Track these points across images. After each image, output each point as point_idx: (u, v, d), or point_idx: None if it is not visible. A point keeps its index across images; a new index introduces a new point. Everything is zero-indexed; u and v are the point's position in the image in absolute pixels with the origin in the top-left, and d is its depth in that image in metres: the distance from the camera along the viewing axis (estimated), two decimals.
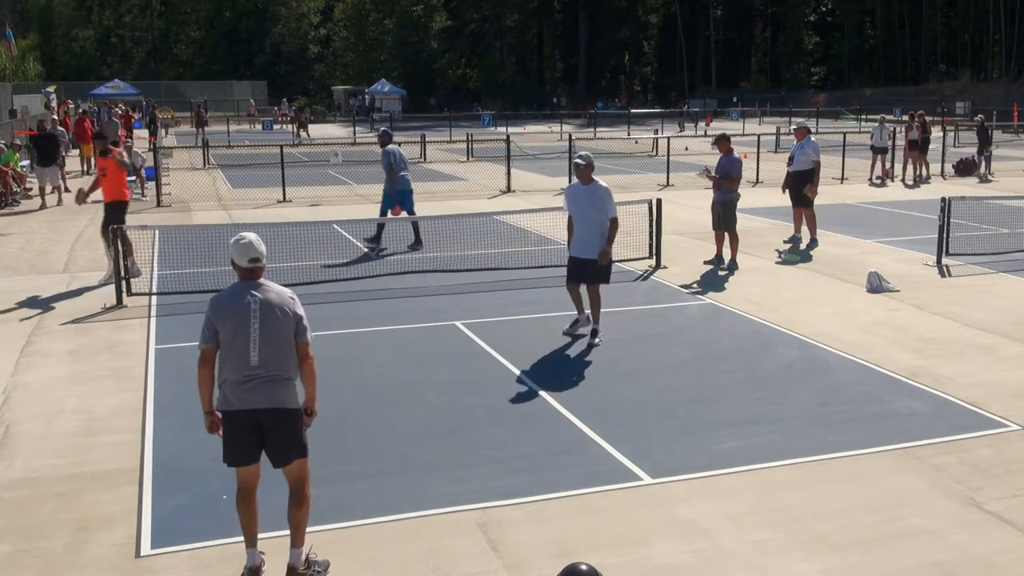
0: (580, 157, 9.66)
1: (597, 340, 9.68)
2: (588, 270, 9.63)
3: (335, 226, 16.63)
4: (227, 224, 17.32)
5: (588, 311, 9.88)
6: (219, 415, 5.13)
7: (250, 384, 5.02)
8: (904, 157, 25.05)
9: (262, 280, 5.17)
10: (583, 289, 9.88)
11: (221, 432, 5.15)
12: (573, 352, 9.47)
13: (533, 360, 9.11)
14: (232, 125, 47.33)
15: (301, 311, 5.18)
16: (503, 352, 9.38)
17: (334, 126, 56.94)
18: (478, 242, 15.31)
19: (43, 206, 20.46)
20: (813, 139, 15.28)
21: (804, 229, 15.49)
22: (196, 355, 5.12)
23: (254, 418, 5.06)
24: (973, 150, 26.98)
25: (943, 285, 12.50)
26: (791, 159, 15.42)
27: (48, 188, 20.88)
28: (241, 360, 5.02)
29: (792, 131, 15.98)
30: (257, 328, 5.02)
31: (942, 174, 25.71)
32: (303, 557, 5.21)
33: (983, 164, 25.71)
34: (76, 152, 28.12)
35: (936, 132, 30.69)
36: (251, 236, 5.17)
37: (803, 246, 15.12)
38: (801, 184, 15.11)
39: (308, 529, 5.66)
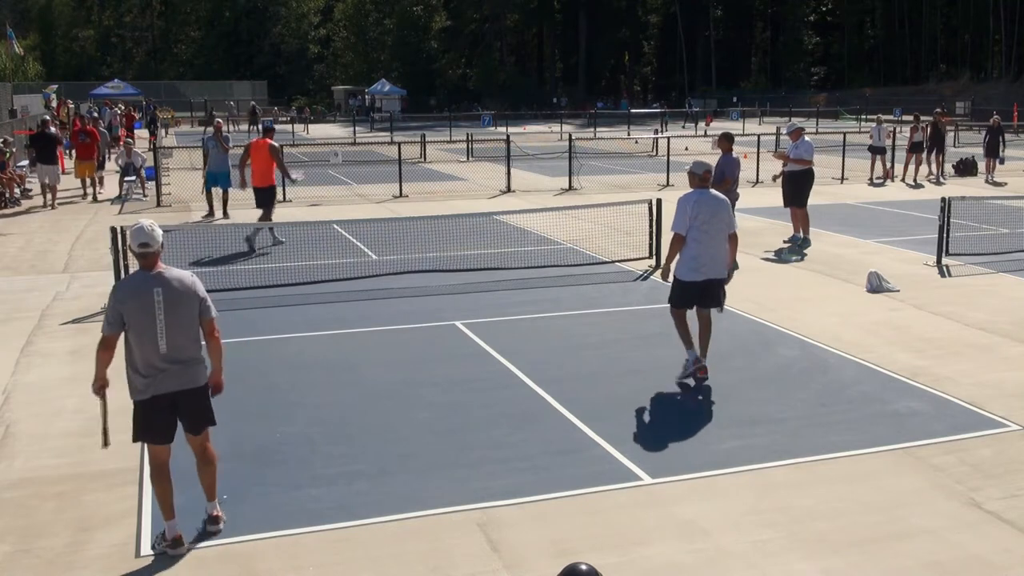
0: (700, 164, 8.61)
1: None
2: (714, 292, 8.52)
3: (335, 226, 16.65)
4: (227, 224, 17.32)
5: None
6: (108, 381, 5.49)
7: (164, 371, 5.33)
8: (906, 157, 25.00)
9: (161, 267, 5.37)
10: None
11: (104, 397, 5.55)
12: (573, 352, 9.47)
13: (533, 360, 9.10)
14: (232, 125, 47.36)
15: (203, 292, 5.45)
16: (503, 352, 9.38)
17: (334, 126, 56.93)
18: (478, 242, 15.32)
19: (46, 204, 20.45)
20: (808, 139, 15.27)
21: None
22: None
23: (170, 400, 5.42)
24: (972, 150, 26.78)
25: (943, 285, 12.49)
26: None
27: (47, 182, 20.68)
28: (150, 348, 5.29)
29: (787, 132, 15.98)
30: (163, 318, 5.27)
31: (942, 174, 25.66)
32: (217, 505, 5.74)
33: (995, 168, 24.87)
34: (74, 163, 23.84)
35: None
36: (146, 222, 5.40)
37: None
38: (796, 184, 15.12)
39: (307, 529, 5.70)
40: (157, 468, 5.54)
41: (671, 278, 8.61)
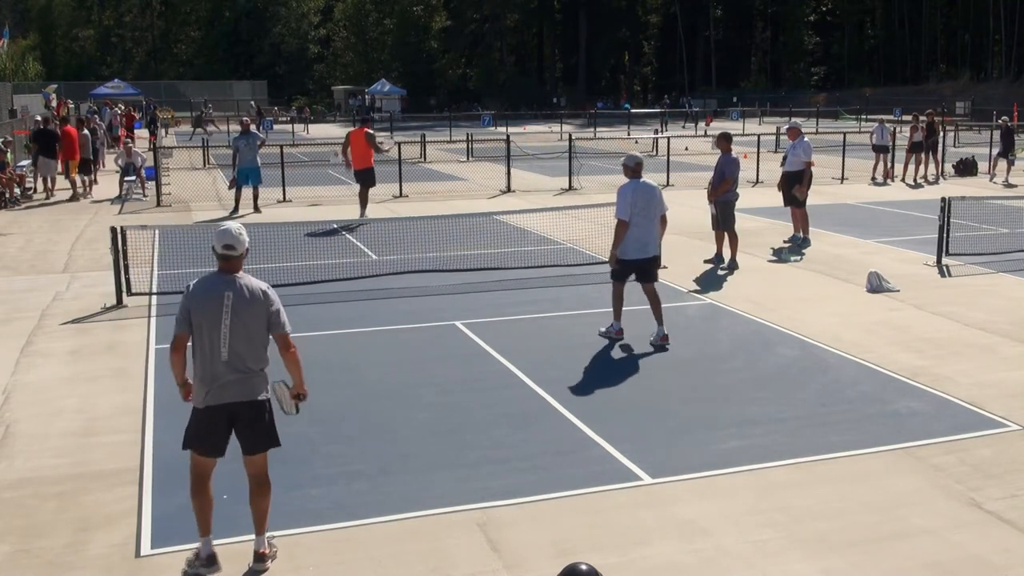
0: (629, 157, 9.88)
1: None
2: (652, 267, 9.81)
3: (335, 226, 16.64)
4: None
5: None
6: (191, 384, 5.24)
7: (223, 380, 5.12)
8: (906, 157, 24.97)
9: (240, 273, 5.21)
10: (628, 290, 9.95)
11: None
12: (573, 352, 9.46)
13: (533, 360, 9.11)
14: (232, 125, 47.35)
15: (276, 304, 5.23)
16: (503, 352, 9.38)
17: (334, 126, 56.90)
18: (478, 242, 15.32)
19: (48, 197, 21.74)
20: (806, 139, 15.27)
21: None
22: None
23: (227, 411, 5.19)
24: (972, 150, 26.62)
25: (943, 285, 12.49)
26: (784, 159, 15.48)
27: (48, 175, 22.17)
28: (212, 354, 5.11)
29: (785, 131, 15.97)
30: (228, 323, 5.08)
31: (942, 174, 25.64)
32: (267, 542, 5.35)
33: (1007, 170, 24.31)
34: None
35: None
36: (233, 225, 5.28)
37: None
38: (795, 184, 15.12)
39: (307, 529, 5.70)
40: (198, 480, 5.28)
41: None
